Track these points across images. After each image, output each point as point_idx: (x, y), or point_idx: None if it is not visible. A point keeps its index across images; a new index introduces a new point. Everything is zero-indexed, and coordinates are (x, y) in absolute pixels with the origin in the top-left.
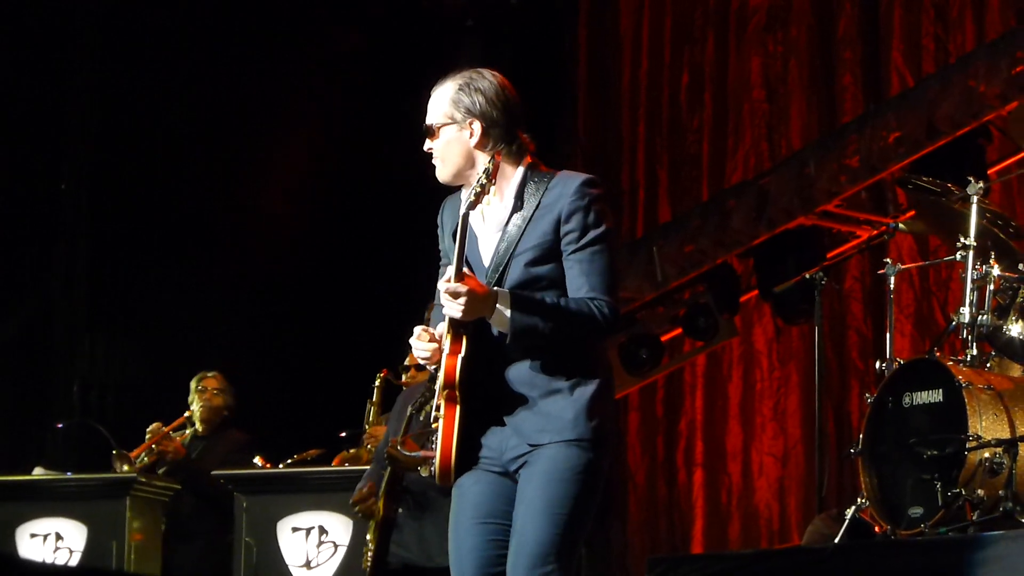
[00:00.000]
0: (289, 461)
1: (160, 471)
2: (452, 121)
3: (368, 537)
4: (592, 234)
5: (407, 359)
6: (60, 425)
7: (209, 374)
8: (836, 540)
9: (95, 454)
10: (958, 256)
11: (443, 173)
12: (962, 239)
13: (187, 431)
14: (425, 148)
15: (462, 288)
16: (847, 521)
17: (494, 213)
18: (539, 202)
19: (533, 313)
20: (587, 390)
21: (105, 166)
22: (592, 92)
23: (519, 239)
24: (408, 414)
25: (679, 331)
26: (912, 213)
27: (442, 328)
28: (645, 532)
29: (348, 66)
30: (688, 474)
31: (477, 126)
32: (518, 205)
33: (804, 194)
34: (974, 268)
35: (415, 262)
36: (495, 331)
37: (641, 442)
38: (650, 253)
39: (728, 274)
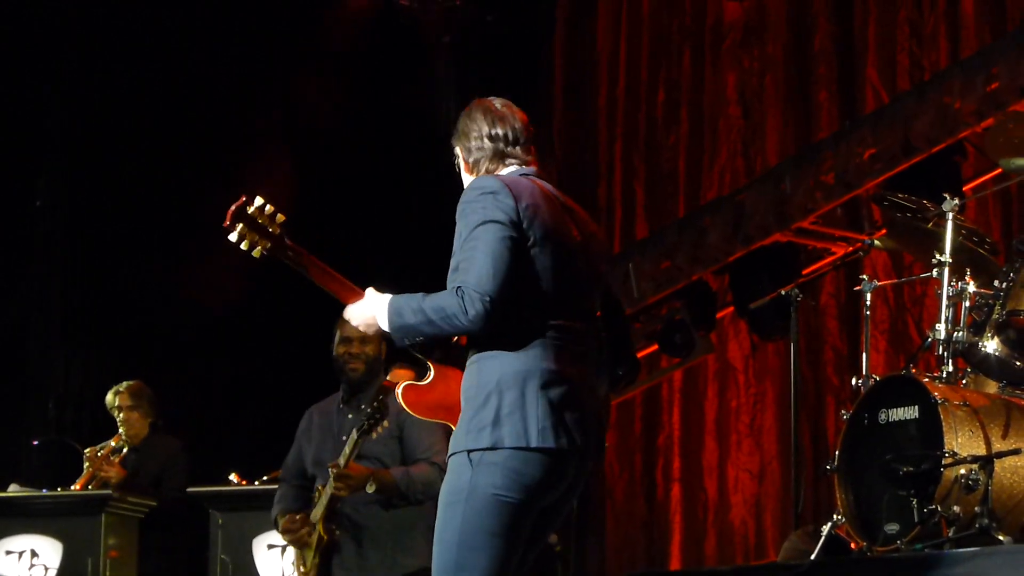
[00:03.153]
0: (265, 478)
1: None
2: (464, 150)
3: (300, 559)
4: (464, 233)
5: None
6: (35, 442)
7: (122, 387)
8: (812, 556)
9: (70, 471)
10: (934, 273)
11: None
12: (938, 256)
13: (123, 451)
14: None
15: (350, 309)
16: (823, 537)
17: None
18: None
19: (403, 312)
20: (476, 395)
21: (80, 183)
22: (568, 109)
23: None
24: (354, 438)
25: (655, 347)
26: (887, 230)
27: None
28: (623, 548)
29: (324, 83)
30: (666, 490)
31: (458, 151)
32: None
33: (780, 210)
34: (950, 285)
35: (396, 275)
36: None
37: (619, 458)
38: (626, 269)
39: (704, 290)
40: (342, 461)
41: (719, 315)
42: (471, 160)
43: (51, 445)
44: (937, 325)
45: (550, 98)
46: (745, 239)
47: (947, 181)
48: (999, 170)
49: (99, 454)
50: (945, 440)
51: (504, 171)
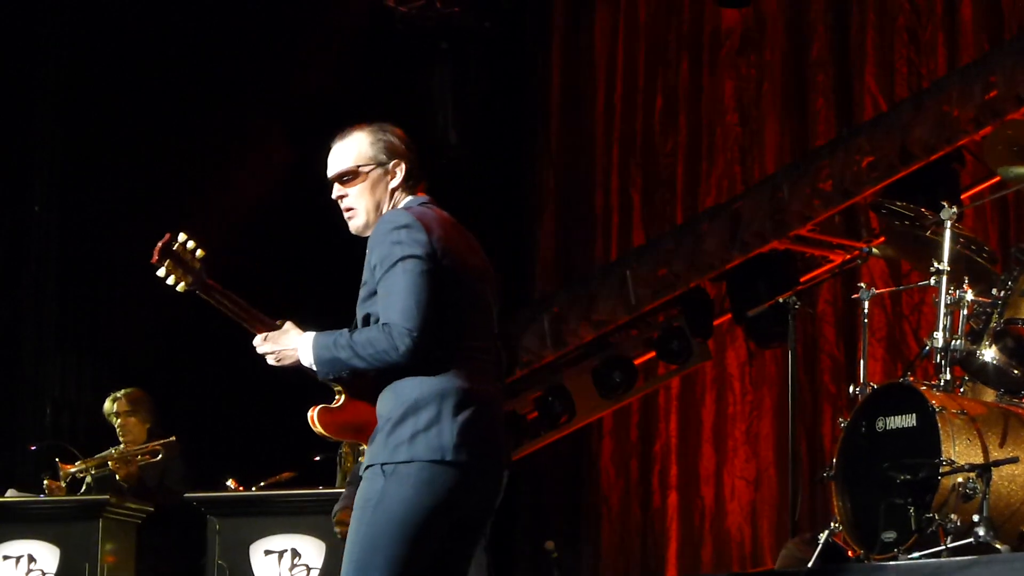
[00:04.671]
0: (262, 484)
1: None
2: (375, 163)
3: None
4: (384, 264)
5: None
6: (32, 447)
7: (119, 394)
8: (809, 564)
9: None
10: (932, 281)
11: (362, 223)
12: (936, 264)
13: (159, 456)
14: (335, 195)
15: (260, 342)
16: (820, 545)
17: None
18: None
19: (330, 347)
20: (390, 420)
21: (76, 187)
22: (566, 116)
23: (363, 279)
24: None
25: (653, 354)
26: (884, 238)
27: None
28: (619, 556)
29: (321, 90)
30: (663, 497)
31: (402, 167)
32: None
33: (777, 218)
34: (948, 293)
35: None
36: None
37: (615, 465)
38: (623, 276)
39: (702, 298)
40: None
41: (716, 322)
42: (399, 179)
43: (48, 450)
44: (935, 333)
45: (547, 105)
46: (742, 246)
47: (945, 189)
48: (997, 178)
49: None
50: (943, 448)
51: (406, 199)
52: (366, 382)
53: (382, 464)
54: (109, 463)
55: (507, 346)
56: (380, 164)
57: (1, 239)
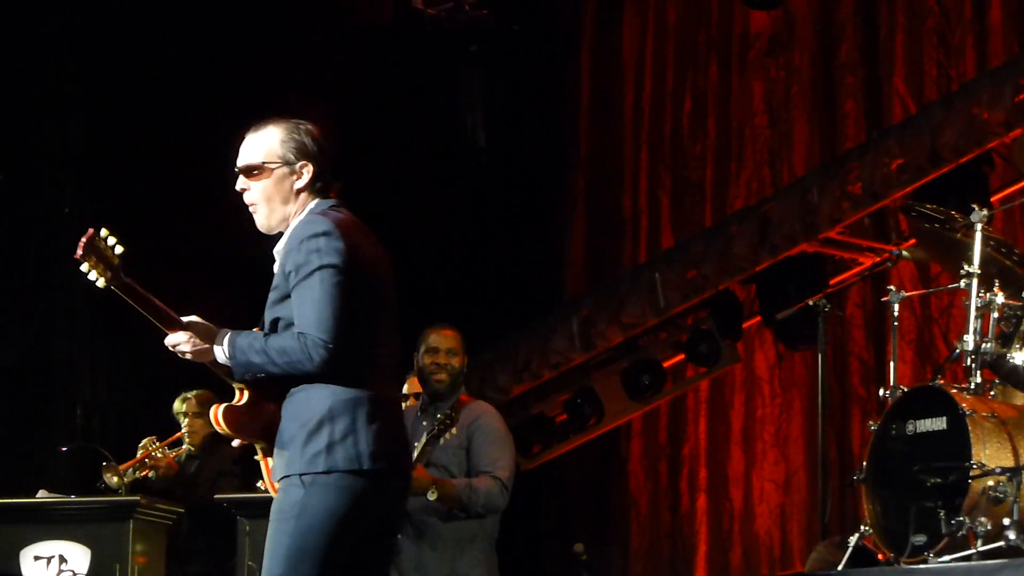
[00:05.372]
0: None
1: (155, 487)
2: (282, 162)
3: None
4: (302, 271)
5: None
6: (63, 448)
7: (190, 394)
8: (840, 567)
9: (98, 477)
10: (962, 284)
11: (269, 219)
12: (966, 267)
13: (183, 448)
14: (239, 187)
15: (180, 337)
16: (850, 548)
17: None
18: (286, 245)
19: (246, 351)
20: (305, 427)
21: (105, 188)
22: (595, 118)
23: (273, 282)
24: (423, 441)
25: (682, 357)
26: (914, 240)
27: None
28: (648, 558)
29: (349, 92)
30: (691, 500)
31: (309, 169)
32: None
33: (807, 220)
34: (978, 296)
35: (418, 283)
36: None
37: (644, 469)
38: (652, 279)
39: (731, 300)
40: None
41: (745, 325)
42: (305, 181)
43: (78, 451)
44: (965, 336)
45: (576, 108)
46: (772, 249)
47: (975, 191)
48: None
49: (156, 444)
50: (973, 451)
51: (314, 201)
52: (273, 384)
53: (300, 475)
54: (148, 460)
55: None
56: (287, 163)
57: (32, 241)
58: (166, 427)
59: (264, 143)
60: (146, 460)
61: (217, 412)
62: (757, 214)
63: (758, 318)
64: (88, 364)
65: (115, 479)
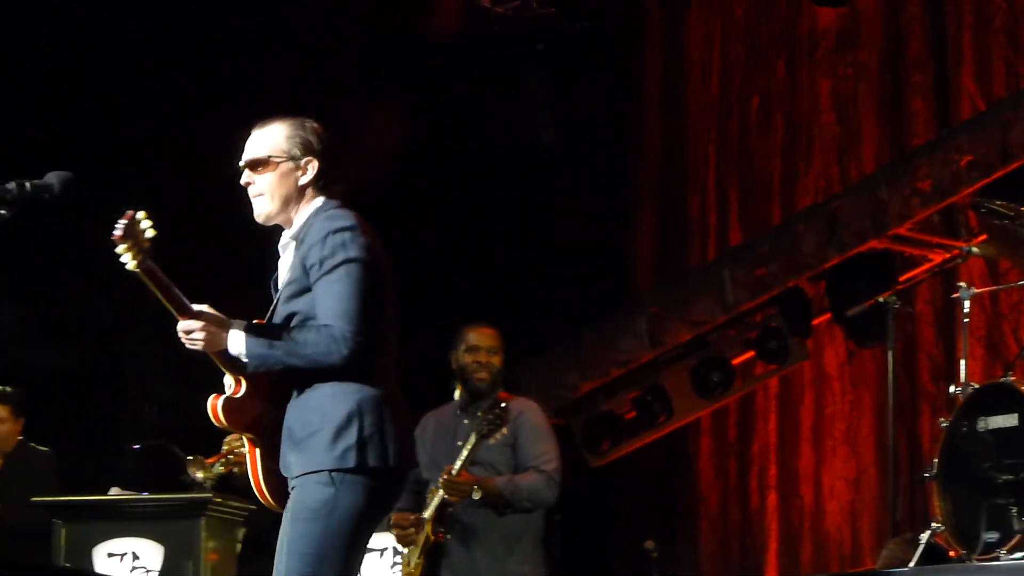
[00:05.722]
0: None
1: (239, 483)
2: (288, 157)
3: (407, 560)
4: (327, 264)
5: None
6: (135, 446)
7: None
8: (911, 565)
9: (170, 474)
10: None
11: (270, 209)
12: None
13: None
14: (244, 181)
15: (194, 324)
16: (921, 546)
17: (285, 255)
18: (302, 239)
19: (264, 342)
20: (331, 423)
21: (172, 184)
22: (662, 115)
23: (287, 277)
24: (472, 441)
25: (751, 354)
26: (984, 237)
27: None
28: (718, 556)
29: (414, 93)
30: (761, 498)
31: (314, 165)
32: (298, 244)
33: (876, 218)
34: None
35: (487, 273)
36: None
37: (714, 466)
38: (721, 277)
39: (800, 297)
40: (457, 464)
41: (815, 322)
42: (310, 177)
43: (150, 449)
44: None
45: (643, 106)
46: (840, 246)
47: None
48: None
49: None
50: None
51: (319, 199)
52: (271, 377)
53: (329, 471)
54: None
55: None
56: (292, 158)
57: (101, 237)
58: None
59: (270, 138)
60: (230, 456)
61: (217, 403)
62: (825, 211)
63: (827, 315)
64: (159, 360)
65: (200, 473)
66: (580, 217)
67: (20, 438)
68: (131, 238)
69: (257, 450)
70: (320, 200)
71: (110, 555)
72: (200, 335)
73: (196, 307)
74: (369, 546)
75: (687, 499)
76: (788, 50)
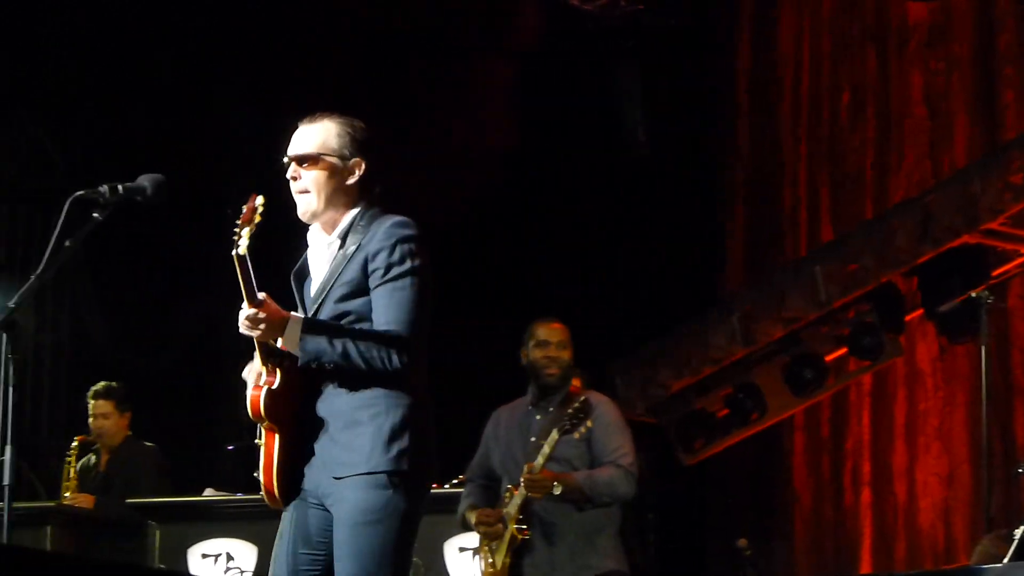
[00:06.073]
0: (455, 481)
1: None
2: (337, 156)
3: (489, 558)
4: (395, 270)
5: None
6: (229, 447)
7: None
8: (1005, 560)
9: None
10: None
11: (316, 206)
12: None
13: None
14: (290, 173)
15: (261, 313)
16: (1016, 541)
17: (325, 253)
18: (359, 243)
19: (323, 338)
20: (386, 422)
21: (270, 190)
22: (753, 112)
23: (336, 277)
24: (554, 437)
25: (844, 351)
26: None
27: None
28: (811, 553)
29: (506, 92)
30: (855, 494)
31: (361, 166)
32: (343, 244)
33: (968, 212)
34: None
35: (578, 270)
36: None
37: (807, 462)
38: (812, 273)
39: (893, 293)
40: (539, 461)
41: (908, 318)
42: (356, 178)
43: (245, 450)
44: None
45: (734, 102)
46: (933, 241)
47: None
48: None
49: None
50: None
51: (362, 204)
52: (302, 372)
53: (387, 473)
54: None
55: None
56: (341, 157)
57: (197, 236)
58: None
59: (320, 134)
60: None
61: (259, 395)
62: (918, 206)
63: (920, 311)
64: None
65: None
66: (672, 214)
67: (128, 433)
68: (251, 224)
69: (276, 442)
70: (362, 204)
71: (204, 556)
72: (263, 324)
73: (259, 295)
74: (462, 546)
75: (781, 496)
76: (879, 45)
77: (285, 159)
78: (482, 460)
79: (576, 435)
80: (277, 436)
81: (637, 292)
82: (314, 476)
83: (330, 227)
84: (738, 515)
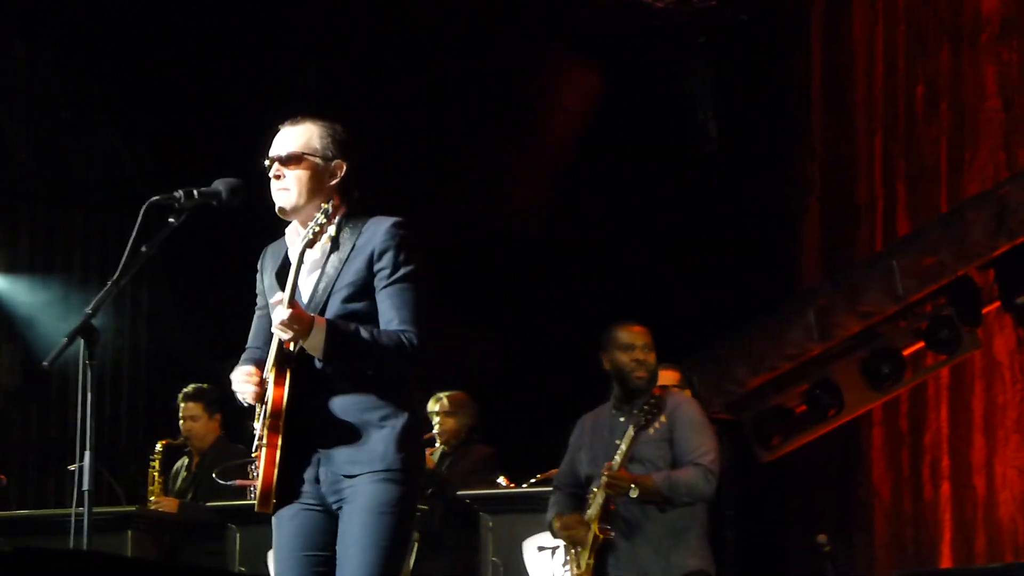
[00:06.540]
0: (533, 480)
1: None
2: (320, 156)
3: (574, 560)
4: (402, 271)
5: None
6: None
7: (443, 395)
8: None
9: None
10: None
11: (296, 202)
12: None
13: (436, 446)
14: (273, 172)
15: (296, 316)
16: None
17: (311, 255)
18: (354, 244)
19: (345, 339)
20: (398, 423)
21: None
22: (827, 106)
23: (336, 278)
24: (631, 434)
25: (921, 345)
26: None
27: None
28: (891, 548)
29: (576, 88)
30: (934, 488)
31: (343, 168)
32: (334, 247)
33: None
34: None
35: (652, 266)
36: (316, 364)
37: (886, 457)
38: (889, 267)
39: (970, 286)
40: (617, 460)
41: (985, 310)
42: (337, 179)
43: None
44: None
45: (807, 96)
46: (1009, 233)
47: None
48: None
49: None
50: None
51: (348, 208)
52: (304, 372)
53: (401, 471)
54: None
55: None
56: (324, 158)
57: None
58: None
59: (303, 135)
60: None
61: (282, 396)
62: (993, 198)
63: (997, 303)
64: None
65: None
66: (745, 209)
67: (219, 434)
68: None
69: (280, 444)
70: (344, 203)
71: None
72: (298, 325)
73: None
74: (540, 545)
75: (860, 492)
76: (952, 37)
77: (267, 161)
78: (569, 467)
79: (651, 431)
80: (281, 438)
81: (713, 288)
82: (317, 475)
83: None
84: (817, 511)
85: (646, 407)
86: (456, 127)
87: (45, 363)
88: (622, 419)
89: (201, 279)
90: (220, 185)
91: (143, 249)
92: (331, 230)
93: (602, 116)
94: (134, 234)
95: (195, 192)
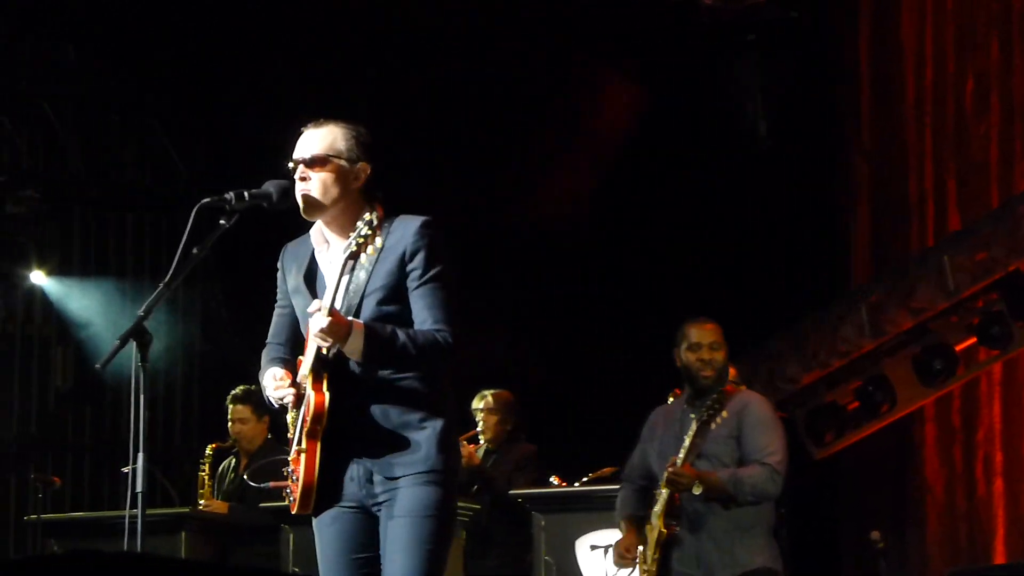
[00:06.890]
0: (585, 479)
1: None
2: (344, 158)
3: (644, 557)
4: (434, 271)
5: None
6: None
7: (488, 392)
8: None
9: None
10: None
11: (321, 204)
12: None
13: (480, 443)
14: (299, 174)
15: (336, 322)
16: None
17: (334, 257)
18: (383, 245)
19: (384, 342)
20: (438, 424)
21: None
22: (876, 102)
23: (368, 280)
24: (693, 429)
25: (974, 340)
26: None
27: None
28: (945, 544)
29: (624, 85)
30: (987, 484)
31: (367, 171)
32: (363, 247)
33: None
34: None
35: (703, 265)
36: (353, 367)
37: (939, 453)
38: (941, 263)
39: (1021, 281)
40: (681, 455)
41: None
42: (361, 181)
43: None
44: None
45: (857, 93)
46: None
47: None
48: None
49: (464, 442)
50: None
51: (370, 208)
52: (338, 375)
53: (442, 472)
54: None
55: None
56: (349, 160)
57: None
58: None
59: (327, 137)
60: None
61: (324, 400)
62: None
63: None
64: None
65: None
66: (797, 206)
67: (268, 436)
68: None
69: (319, 448)
70: (368, 205)
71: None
72: (337, 332)
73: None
74: (593, 544)
75: (913, 488)
76: (1001, 31)
77: (291, 163)
78: (639, 460)
79: (714, 426)
80: (320, 443)
81: (765, 285)
82: (357, 478)
83: (337, 228)
84: (870, 508)
85: (709, 403)
86: (505, 128)
87: (98, 365)
88: (692, 415)
89: (253, 281)
90: (271, 187)
91: (194, 251)
92: (377, 242)
93: (651, 115)
94: (185, 236)
95: (246, 194)
